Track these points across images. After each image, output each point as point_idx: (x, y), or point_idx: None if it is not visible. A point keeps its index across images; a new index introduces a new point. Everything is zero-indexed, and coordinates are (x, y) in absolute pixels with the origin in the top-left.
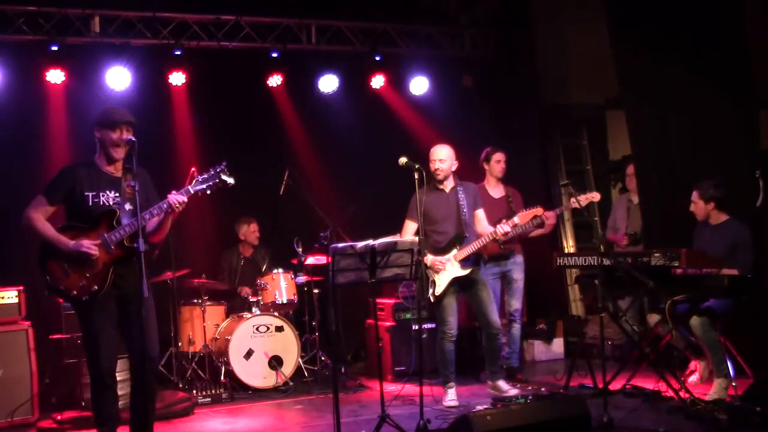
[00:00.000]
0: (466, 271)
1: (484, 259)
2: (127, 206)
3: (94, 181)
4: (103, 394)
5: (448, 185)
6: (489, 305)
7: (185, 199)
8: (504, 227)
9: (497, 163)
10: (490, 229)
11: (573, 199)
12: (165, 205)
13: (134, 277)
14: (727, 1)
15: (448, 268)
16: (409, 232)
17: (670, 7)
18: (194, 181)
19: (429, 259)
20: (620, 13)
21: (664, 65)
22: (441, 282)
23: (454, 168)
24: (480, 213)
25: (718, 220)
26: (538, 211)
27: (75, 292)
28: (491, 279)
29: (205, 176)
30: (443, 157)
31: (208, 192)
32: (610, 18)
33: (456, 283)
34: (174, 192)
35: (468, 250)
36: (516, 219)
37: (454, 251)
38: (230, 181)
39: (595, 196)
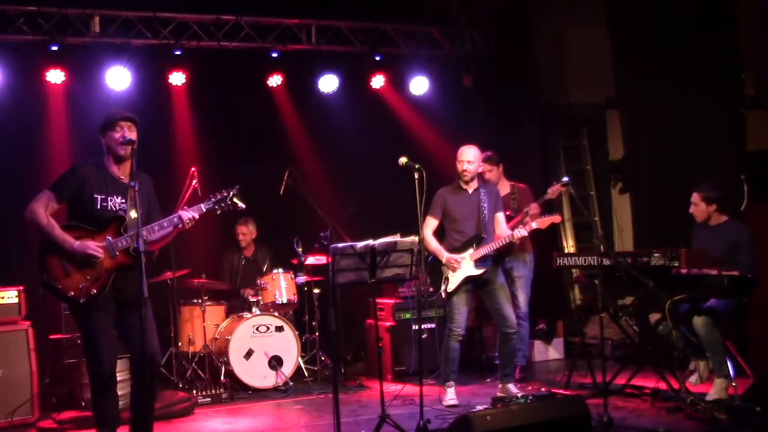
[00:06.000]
0: (480, 271)
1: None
2: (132, 214)
3: (103, 184)
4: (103, 395)
5: (472, 186)
6: (505, 305)
7: (197, 216)
8: (521, 231)
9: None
10: (508, 232)
11: (549, 190)
12: (176, 219)
13: (134, 279)
14: (719, 4)
15: (463, 266)
16: (430, 227)
17: (663, 10)
18: (207, 200)
19: (445, 256)
20: (619, 15)
21: (660, 66)
22: (454, 279)
23: (480, 170)
24: (500, 216)
25: (718, 221)
26: (557, 218)
27: (72, 293)
28: None
29: (219, 197)
30: (471, 158)
31: (218, 212)
32: (609, 19)
33: (470, 282)
34: (186, 208)
35: (484, 250)
36: (534, 224)
37: (470, 250)
38: (241, 205)
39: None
